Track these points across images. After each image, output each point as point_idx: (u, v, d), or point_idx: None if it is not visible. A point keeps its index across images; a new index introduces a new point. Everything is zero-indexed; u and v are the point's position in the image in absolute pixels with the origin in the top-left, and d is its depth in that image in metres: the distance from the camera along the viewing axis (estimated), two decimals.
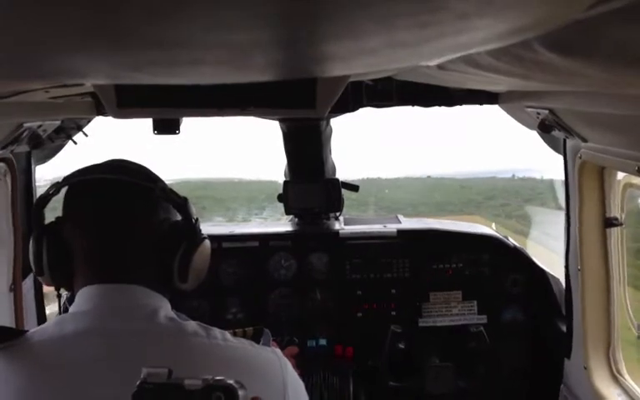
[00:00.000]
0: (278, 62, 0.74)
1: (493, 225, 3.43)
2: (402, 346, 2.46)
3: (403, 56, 0.78)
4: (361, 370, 2.53)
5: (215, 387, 0.74)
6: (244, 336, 1.28)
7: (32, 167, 2.21)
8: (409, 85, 1.92)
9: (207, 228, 1.28)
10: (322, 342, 2.56)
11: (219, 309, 2.55)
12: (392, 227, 2.64)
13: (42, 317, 2.29)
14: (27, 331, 1.12)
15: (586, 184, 1.95)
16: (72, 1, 0.41)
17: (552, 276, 2.51)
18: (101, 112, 1.90)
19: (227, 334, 1.14)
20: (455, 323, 2.56)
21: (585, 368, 2.04)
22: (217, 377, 0.74)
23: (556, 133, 1.86)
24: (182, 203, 1.17)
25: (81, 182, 1.16)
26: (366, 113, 2.14)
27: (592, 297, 2.01)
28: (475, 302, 2.57)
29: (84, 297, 1.11)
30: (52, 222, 1.18)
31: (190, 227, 1.18)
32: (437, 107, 2.08)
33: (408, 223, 2.78)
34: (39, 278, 1.21)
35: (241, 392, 0.74)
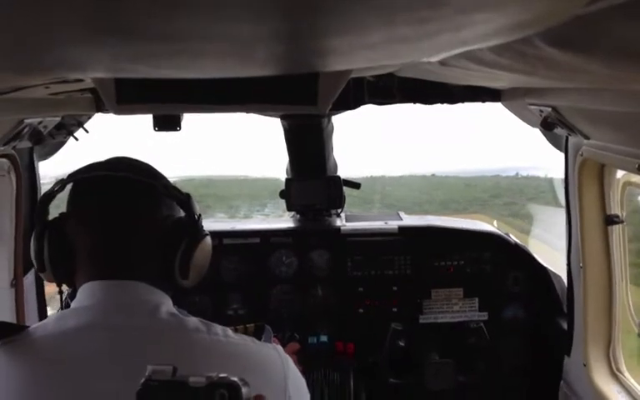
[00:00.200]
0: (280, 56, 0.74)
1: (495, 222, 3.43)
2: (402, 343, 2.47)
3: (405, 51, 0.78)
4: (361, 366, 2.53)
5: (219, 385, 0.74)
6: (245, 332, 1.29)
7: (35, 163, 2.22)
8: (411, 82, 1.91)
9: (208, 224, 1.29)
10: (324, 338, 2.57)
11: (220, 305, 2.56)
12: (394, 224, 2.65)
13: (43, 313, 2.30)
14: (29, 326, 1.12)
15: (586, 182, 1.95)
16: None
17: (554, 273, 2.51)
18: (100, 108, 1.90)
19: (229, 330, 1.14)
20: (456, 320, 2.56)
21: (585, 365, 2.04)
22: (221, 375, 0.75)
23: (558, 131, 1.86)
24: (184, 200, 1.18)
25: (86, 179, 1.16)
26: (371, 111, 2.13)
27: (593, 294, 2.01)
28: (476, 300, 2.57)
29: (86, 292, 1.12)
30: (55, 219, 1.19)
31: (192, 224, 1.18)
32: (439, 105, 2.08)
33: (410, 220, 2.78)
34: (41, 274, 1.22)
35: (244, 390, 0.75)
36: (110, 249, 1.13)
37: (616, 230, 1.97)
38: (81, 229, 1.14)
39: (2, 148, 1.89)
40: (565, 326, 2.22)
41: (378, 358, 2.52)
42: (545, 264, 2.57)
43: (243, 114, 1.57)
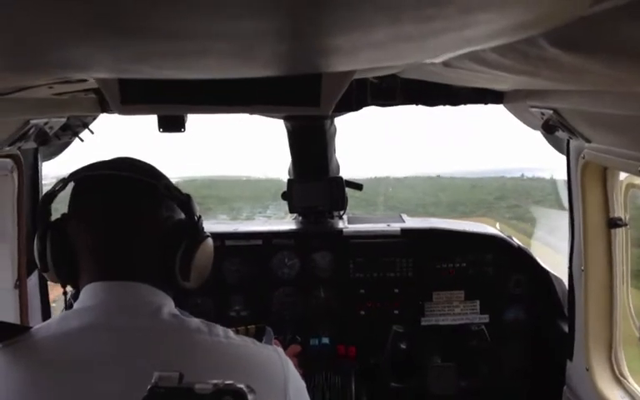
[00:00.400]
0: (283, 56, 0.75)
1: (497, 224, 3.42)
2: (403, 346, 2.46)
3: (409, 50, 0.78)
4: (363, 369, 2.53)
5: (225, 391, 0.74)
6: (247, 334, 1.29)
7: (39, 163, 2.22)
8: (414, 83, 1.91)
9: (210, 226, 1.29)
10: (325, 340, 2.56)
11: (222, 306, 2.56)
12: (396, 226, 2.64)
13: (46, 314, 2.30)
14: (32, 327, 1.12)
15: (588, 185, 1.94)
16: None
17: (555, 276, 2.50)
18: (105, 108, 1.91)
19: (230, 332, 1.14)
20: (457, 322, 2.56)
21: (587, 370, 2.04)
22: (227, 382, 0.75)
23: (559, 134, 1.86)
24: (184, 201, 1.17)
25: (87, 178, 1.16)
26: (375, 111, 2.13)
27: (595, 297, 2.01)
28: (478, 302, 2.56)
29: (89, 293, 1.12)
30: (57, 219, 1.19)
31: (192, 225, 1.18)
32: (441, 106, 2.08)
33: (412, 222, 2.77)
34: (45, 275, 1.22)
35: (250, 397, 0.75)
36: (111, 249, 1.13)
37: (619, 233, 1.97)
38: (82, 228, 1.14)
39: (7, 149, 1.90)
40: (566, 329, 2.21)
41: (380, 361, 2.52)
42: (547, 267, 2.56)
43: (246, 115, 1.58)
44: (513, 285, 2.57)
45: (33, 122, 1.81)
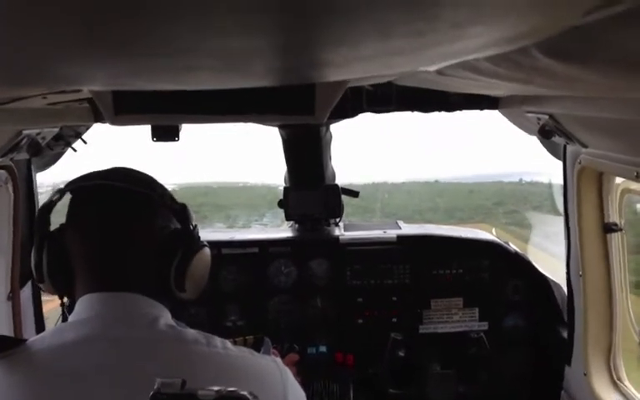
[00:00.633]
0: (276, 68, 0.75)
1: (494, 230, 3.41)
2: (402, 353, 2.45)
3: (401, 62, 0.78)
4: (361, 377, 2.52)
5: (228, 398, 0.74)
6: (245, 344, 1.27)
7: (33, 174, 2.21)
8: (409, 90, 1.91)
9: (206, 235, 1.28)
10: (323, 349, 2.55)
11: (218, 316, 2.54)
12: (392, 233, 2.64)
13: (40, 326, 2.28)
14: (27, 340, 1.11)
15: (584, 189, 1.94)
16: (69, 11, 0.41)
17: (554, 282, 2.50)
18: (99, 118, 1.90)
19: (228, 343, 1.13)
20: (456, 330, 2.55)
21: (585, 375, 2.03)
22: (230, 389, 0.74)
23: (556, 139, 1.86)
24: (179, 210, 1.17)
25: (83, 189, 1.16)
26: (372, 117, 2.13)
27: (593, 302, 2.00)
28: (476, 309, 2.56)
29: (84, 305, 1.11)
30: (55, 230, 1.18)
31: (187, 235, 1.17)
32: (436, 113, 2.08)
33: (408, 229, 2.77)
34: (41, 286, 1.21)
35: None
36: (106, 259, 1.12)
37: (615, 238, 1.97)
38: (77, 238, 1.14)
39: (0, 160, 1.89)
40: (565, 334, 2.21)
41: (378, 369, 2.51)
42: (545, 272, 2.56)
43: (238, 123, 1.57)
44: (511, 291, 2.56)
45: (26, 132, 1.80)
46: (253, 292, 2.56)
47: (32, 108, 1.56)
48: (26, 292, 2.18)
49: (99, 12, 0.42)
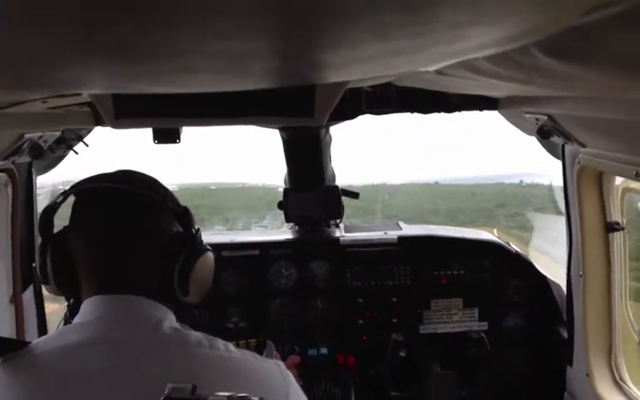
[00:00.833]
0: (275, 70, 0.75)
1: (495, 231, 3.41)
2: (403, 354, 2.45)
3: (401, 62, 0.78)
4: (363, 379, 2.51)
5: None
6: (247, 347, 1.28)
7: (33, 177, 2.21)
8: (408, 91, 1.92)
9: (206, 237, 1.28)
10: (324, 350, 2.55)
11: (220, 318, 2.54)
12: (393, 234, 2.64)
13: (43, 329, 2.28)
14: (30, 342, 1.11)
15: (585, 189, 1.94)
16: (69, 14, 0.41)
17: (554, 282, 2.50)
18: (100, 122, 1.90)
19: (231, 346, 1.13)
20: (456, 330, 2.55)
21: (587, 375, 2.03)
22: (241, 394, 0.74)
23: (555, 139, 1.86)
24: (181, 214, 1.17)
25: (87, 191, 1.16)
26: (372, 119, 2.13)
27: (593, 302, 2.00)
28: (476, 310, 2.56)
29: (89, 307, 1.11)
30: (59, 231, 1.18)
31: (190, 238, 1.17)
32: (436, 114, 2.08)
33: (409, 230, 2.77)
34: (46, 288, 1.21)
35: None
36: (110, 262, 1.13)
37: (616, 237, 1.97)
38: (81, 241, 1.14)
39: (1, 163, 1.89)
40: (566, 335, 2.21)
41: (379, 370, 2.50)
42: (545, 273, 2.56)
43: (238, 125, 1.57)
44: (512, 291, 2.56)
45: (28, 135, 1.80)
46: (254, 294, 2.56)
47: (32, 112, 1.57)
48: (28, 295, 2.18)
49: (99, 15, 0.42)
